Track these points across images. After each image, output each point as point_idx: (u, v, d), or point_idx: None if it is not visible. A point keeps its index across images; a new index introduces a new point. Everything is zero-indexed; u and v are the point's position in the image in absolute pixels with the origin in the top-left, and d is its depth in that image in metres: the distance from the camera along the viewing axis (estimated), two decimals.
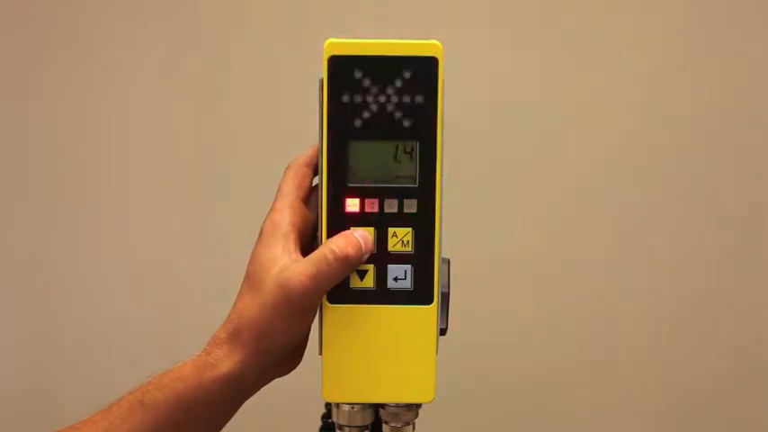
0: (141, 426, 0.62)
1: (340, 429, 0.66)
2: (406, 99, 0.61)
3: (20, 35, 1.24)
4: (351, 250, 0.60)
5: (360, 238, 0.61)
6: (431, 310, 0.63)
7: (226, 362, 0.61)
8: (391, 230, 0.62)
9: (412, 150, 0.62)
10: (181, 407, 0.61)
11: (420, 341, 0.63)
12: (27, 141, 1.26)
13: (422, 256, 0.63)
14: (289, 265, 0.61)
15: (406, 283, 0.63)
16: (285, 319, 0.60)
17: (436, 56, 0.61)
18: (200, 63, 1.23)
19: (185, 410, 0.61)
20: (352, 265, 0.61)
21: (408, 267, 0.63)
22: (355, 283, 0.63)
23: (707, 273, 1.25)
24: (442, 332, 0.64)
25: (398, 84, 0.61)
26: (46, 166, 1.26)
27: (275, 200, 0.65)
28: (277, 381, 0.65)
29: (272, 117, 1.23)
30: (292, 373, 0.65)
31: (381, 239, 0.62)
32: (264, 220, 0.64)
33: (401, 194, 0.62)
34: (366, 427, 0.66)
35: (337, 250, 0.60)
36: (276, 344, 0.61)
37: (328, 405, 0.71)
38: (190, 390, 0.61)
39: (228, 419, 0.65)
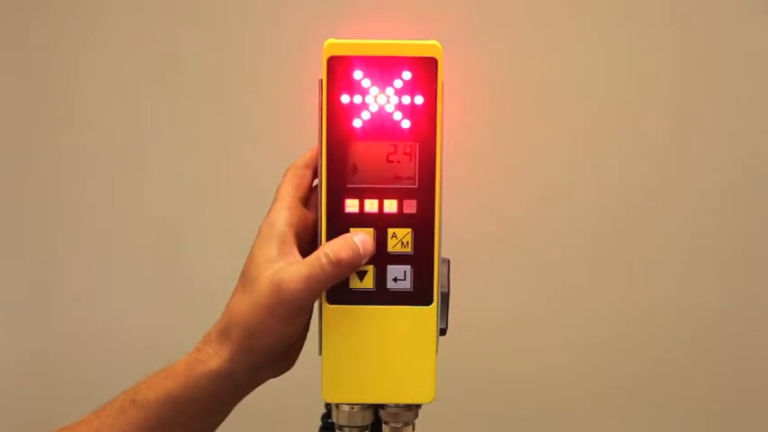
0: (132, 425, 0.62)
1: (340, 429, 0.66)
2: (406, 100, 0.61)
3: (19, 31, 1.24)
4: (344, 254, 0.60)
5: (359, 242, 0.61)
6: (431, 311, 0.63)
7: (215, 359, 0.61)
8: (391, 231, 0.62)
9: (411, 151, 0.62)
10: (171, 405, 0.62)
11: (420, 342, 0.63)
12: (27, 141, 1.26)
13: (421, 256, 0.63)
14: (284, 267, 0.61)
15: (406, 284, 0.63)
16: (276, 319, 0.60)
17: (436, 56, 0.61)
18: (199, 63, 1.23)
19: (176, 408, 0.62)
20: (345, 268, 0.61)
21: (408, 268, 0.63)
22: (355, 283, 0.63)
23: (708, 272, 1.25)
24: (442, 332, 0.64)
25: (398, 84, 0.61)
26: (45, 167, 1.26)
27: (273, 201, 0.65)
28: (277, 381, 0.65)
29: (272, 117, 1.23)
30: (293, 373, 0.65)
31: (381, 240, 0.62)
32: (262, 222, 0.64)
33: (401, 195, 0.62)
34: (366, 427, 0.66)
35: (330, 253, 0.60)
36: (266, 343, 0.61)
37: (328, 405, 0.71)
38: (180, 387, 0.61)
39: (221, 419, 0.65)
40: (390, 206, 0.62)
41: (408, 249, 0.63)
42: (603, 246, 1.25)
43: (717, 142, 1.23)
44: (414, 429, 0.67)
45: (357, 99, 0.61)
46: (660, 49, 1.22)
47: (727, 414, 1.28)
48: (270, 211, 0.64)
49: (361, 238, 0.62)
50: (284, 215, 0.63)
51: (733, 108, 1.22)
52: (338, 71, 0.61)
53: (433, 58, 0.61)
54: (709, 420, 1.28)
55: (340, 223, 0.62)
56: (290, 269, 0.60)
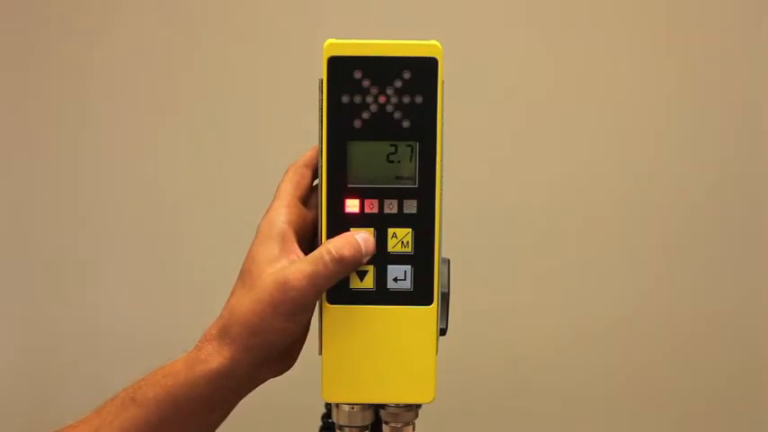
0: (132, 422, 0.62)
1: (340, 429, 0.66)
2: (406, 99, 0.61)
3: (19, 35, 1.24)
4: (347, 252, 0.60)
5: (360, 240, 0.61)
6: (431, 311, 0.63)
7: (216, 357, 0.61)
8: (391, 231, 0.62)
9: (412, 151, 0.62)
10: (171, 403, 0.61)
11: (420, 341, 0.63)
12: (27, 142, 1.26)
13: (422, 256, 0.63)
14: (286, 265, 0.61)
15: (406, 284, 0.63)
16: (279, 316, 0.60)
17: (436, 56, 0.61)
18: (200, 64, 1.23)
19: (175, 407, 0.61)
20: (348, 266, 0.61)
21: (408, 268, 0.63)
22: (355, 283, 0.63)
23: (709, 272, 1.26)
24: (442, 332, 0.64)
25: (398, 84, 0.61)
26: (45, 167, 1.26)
27: (273, 199, 0.65)
28: (277, 381, 0.65)
29: (272, 117, 1.23)
30: (293, 373, 0.65)
31: (381, 240, 0.62)
32: (261, 220, 0.64)
33: (401, 195, 0.62)
34: (366, 427, 0.66)
35: (333, 251, 0.60)
36: (267, 341, 0.61)
37: (328, 405, 0.71)
38: (180, 386, 0.61)
39: (222, 418, 0.65)
40: (390, 206, 0.62)
41: (408, 249, 0.63)
42: (605, 245, 1.25)
43: (705, 144, 1.23)
44: (414, 429, 0.67)
45: (357, 99, 0.61)
46: (659, 51, 1.22)
47: (713, 416, 1.28)
48: (269, 209, 0.64)
49: (362, 236, 0.62)
50: (284, 213, 0.63)
51: (722, 108, 1.23)
52: (338, 71, 0.61)
53: (433, 57, 0.61)
54: (696, 422, 1.28)
55: (340, 223, 0.62)
56: (292, 267, 0.60)
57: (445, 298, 0.64)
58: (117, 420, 0.62)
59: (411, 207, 0.62)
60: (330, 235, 0.62)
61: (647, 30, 1.21)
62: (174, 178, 1.26)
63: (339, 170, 0.62)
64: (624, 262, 1.25)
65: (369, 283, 0.63)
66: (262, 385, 0.65)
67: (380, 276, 0.63)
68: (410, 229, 0.63)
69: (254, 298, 0.60)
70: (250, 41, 1.23)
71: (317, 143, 0.63)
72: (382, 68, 0.61)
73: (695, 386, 1.27)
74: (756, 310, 1.26)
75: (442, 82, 0.61)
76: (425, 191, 0.62)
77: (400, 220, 0.62)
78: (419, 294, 0.63)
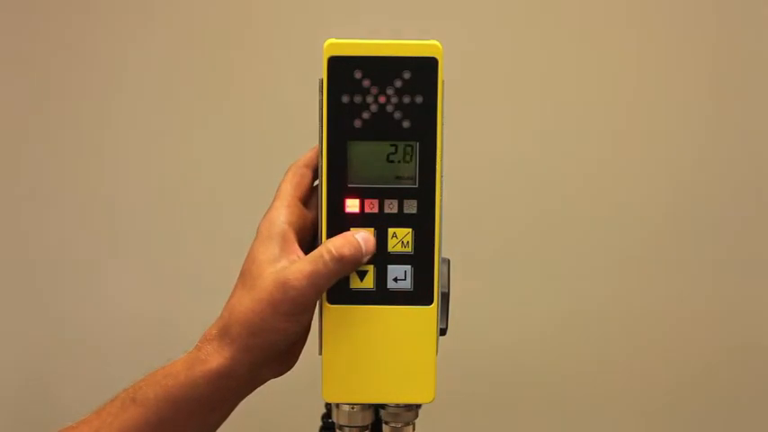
0: (132, 422, 0.62)
1: (340, 429, 0.66)
2: (406, 99, 0.61)
3: (22, 37, 1.24)
4: (346, 250, 0.61)
5: (360, 239, 0.61)
6: (431, 311, 0.63)
7: (215, 357, 0.61)
8: (391, 231, 0.63)
9: (412, 151, 0.62)
10: (171, 403, 0.61)
11: (420, 341, 0.63)
12: (28, 141, 1.26)
13: (422, 256, 0.63)
14: (287, 265, 0.61)
15: (406, 284, 0.63)
16: (279, 316, 0.60)
17: (436, 56, 0.61)
18: (200, 64, 1.23)
19: (175, 407, 0.62)
20: (348, 265, 0.61)
21: (408, 268, 0.63)
22: (355, 283, 0.63)
23: (708, 272, 1.26)
24: (442, 332, 0.64)
25: (398, 84, 0.61)
26: (46, 166, 1.26)
27: (273, 200, 0.65)
28: (277, 381, 0.65)
29: (272, 117, 1.23)
30: (293, 373, 0.65)
31: (381, 240, 0.62)
32: (262, 220, 0.64)
33: (401, 195, 0.62)
34: (366, 427, 0.66)
35: (333, 250, 0.60)
36: (267, 341, 0.61)
37: (328, 405, 0.71)
38: (180, 386, 0.61)
39: (222, 418, 0.65)
40: (390, 206, 0.62)
41: (409, 249, 0.63)
42: (604, 245, 1.25)
43: (706, 143, 1.23)
44: (414, 429, 0.67)
45: (357, 99, 0.61)
46: (656, 53, 1.22)
47: (715, 415, 1.28)
48: (269, 209, 0.64)
49: (362, 236, 0.62)
50: (284, 213, 0.63)
51: (719, 107, 1.23)
52: (338, 71, 0.61)
53: (433, 57, 0.61)
54: (698, 422, 1.28)
55: (340, 223, 0.62)
56: (293, 267, 0.60)
57: (445, 298, 0.64)
58: (117, 421, 0.62)
59: (411, 207, 0.62)
60: (330, 235, 0.62)
61: (646, 30, 1.21)
62: (175, 178, 1.26)
63: (339, 170, 0.62)
64: (625, 262, 1.25)
65: (369, 283, 0.63)
66: (262, 385, 0.65)
67: (380, 276, 0.63)
68: (410, 229, 0.63)
69: (255, 298, 0.60)
70: (250, 42, 1.23)
71: (317, 143, 0.63)
72: (382, 68, 0.61)
73: (696, 386, 1.27)
74: (757, 309, 1.26)
75: (443, 82, 0.62)
76: (425, 191, 0.62)
77: (400, 220, 0.62)
78: (419, 294, 0.63)
